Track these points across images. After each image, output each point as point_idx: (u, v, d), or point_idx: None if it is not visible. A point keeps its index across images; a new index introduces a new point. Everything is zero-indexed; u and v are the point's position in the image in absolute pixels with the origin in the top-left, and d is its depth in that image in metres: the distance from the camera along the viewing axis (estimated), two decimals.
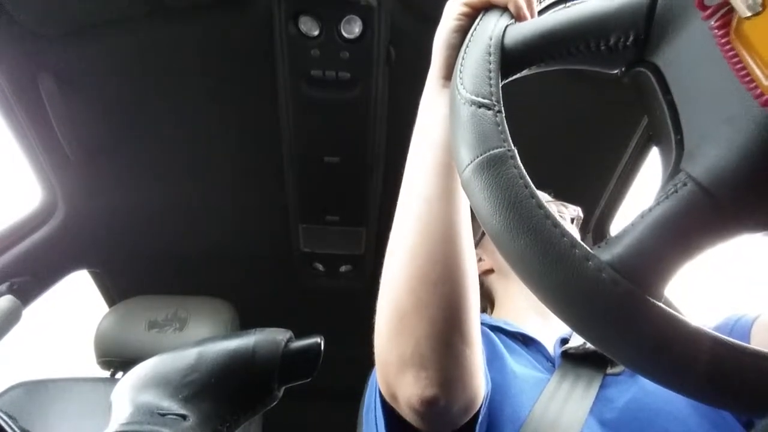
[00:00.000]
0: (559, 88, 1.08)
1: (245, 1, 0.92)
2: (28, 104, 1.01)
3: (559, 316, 0.29)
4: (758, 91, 0.24)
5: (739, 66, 0.25)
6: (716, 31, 0.26)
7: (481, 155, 0.32)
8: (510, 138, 0.32)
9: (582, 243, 0.27)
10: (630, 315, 0.26)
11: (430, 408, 0.44)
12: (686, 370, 0.26)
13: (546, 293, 0.29)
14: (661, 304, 0.26)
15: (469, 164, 0.32)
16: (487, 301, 0.86)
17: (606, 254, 0.27)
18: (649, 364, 0.27)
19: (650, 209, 0.27)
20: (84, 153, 1.12)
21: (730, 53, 0.25)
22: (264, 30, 0.93)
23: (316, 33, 0.91)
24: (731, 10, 0.25)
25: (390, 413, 0.49)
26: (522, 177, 0.30)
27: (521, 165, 0.31)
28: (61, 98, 1.00)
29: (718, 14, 0.26)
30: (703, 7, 0.27)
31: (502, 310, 0.80)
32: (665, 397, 0.54)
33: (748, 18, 0.24)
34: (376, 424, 0.52)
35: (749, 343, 0.52)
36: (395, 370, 0.44)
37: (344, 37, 0.92)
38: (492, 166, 0.31)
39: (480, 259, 0.86)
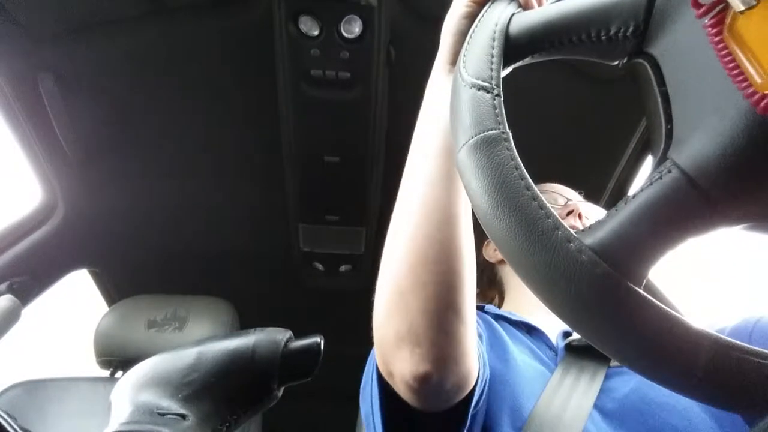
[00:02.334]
0: (560, 89, 1.08)
1: (245, 1, 0.92)
2: (28, 104, 1.01)
3: (538, 296, 0.29)
4: (750, 90, 0.24)
5: (732, 65, 0.25)
6: (710, 29, 0.26)
7: (476, 136, 0.32)
8: (506, 121, 0.33)
9: (566, 226, 0.28)
10: (606, 298, 0.26)
11: (424, 384, 0.45)
12: (654, 349, 0.26)
13: (527, 272, 0.29)
14: (639, 290, 0.26)
15: (463, 145, 0.33)
16: (497, 292, 0.86)
17: (588, 238, 0.27)
18: (621, 347, 0.27)
19: (634, 195, 0.27)
20: (84, 153, 1.12)
21: (723, 52, 0.25)
22: (264, 30, 0.93)
23: (316, 33, 0.91)
24: (725, 8, 0.25)
25: (385, 389, 0.50)
26: (513, 158, 0.31)
27: (514, 147, 0.31)
28: (61, 98, 1.00)
29: (712, 13, 0.26)
30: (698, 6, 0.27)
31: (510, 302, 0.81)
32: (667, 390, 0.54)
33: (741, 12, 0.24)
34: (372, 400, 0.53)
35: None
36: (391, 347, 0.46)
37: (344, 37, 0.92)
38: (485, 147, 0.32)
39: (496, 249, 0.87)
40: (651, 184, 0.27)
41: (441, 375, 0.45)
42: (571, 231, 0.28)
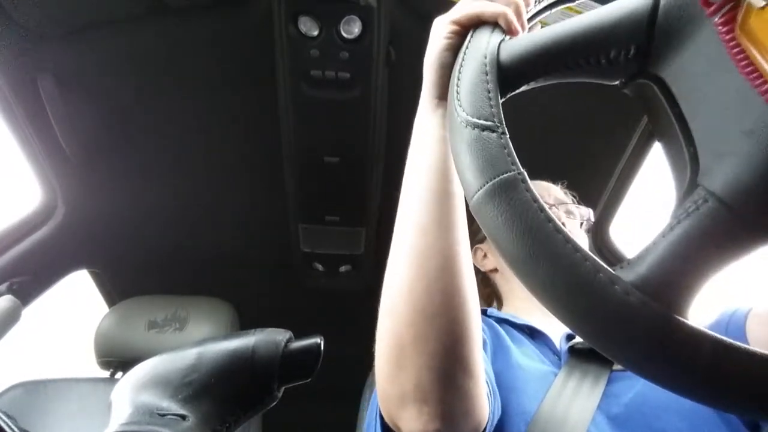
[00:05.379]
0: (559, 88, 1.07)
1: (245, 1, 0.92)
2: (28, 104, 1.01)
3: (588, 341, 0.28)
4: (766, 86, 0.23)
5: (745, 62, 0.24)
6: (720, 28, 0.26)
7: (491, 180, 0.30)
8: (518, 160, 0.31)
9: (604, 265, 0.27)
10: (660, 335, 0.26)
11: None
12: (706, 380, 0.26)
13: (574, 320, 0.28)
14: (688, 322, 0.26)
15: (478, 190, 0.31)
16: (495, 298, 0.86)
17: (630, 274, 0.26)
18: (679, 380, 0.27)
19: (671, 227, 0.26)
20: (84, 153, 1.12)
21: (736, 50, 0.25)
22: (264, 30, 0.93)
23: (315, 33, 0.91)
24: (736, 6, 0.25)
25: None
26: (536, 201, 0.29)
27: (533, 188, 0.30)
28: (60, 98, 1.00)
29: (723, 10, 0.25)
30: (708, 4, 0.26)
31: (509, 305, 0.81)
32: (671, 394, 0.54)
33: (762, 8, 0.23)
34: None
35: (745, 337, 0.52)
36: (396, 404, 0.44)
37: (344, 37, 0.92)
38: (504, 192, 0.30)
39: (485, 256, 0.86)
40: (687, 215, 0.26)
41: (452, 431, 0.43)
42: (611, 270, 0.27)
